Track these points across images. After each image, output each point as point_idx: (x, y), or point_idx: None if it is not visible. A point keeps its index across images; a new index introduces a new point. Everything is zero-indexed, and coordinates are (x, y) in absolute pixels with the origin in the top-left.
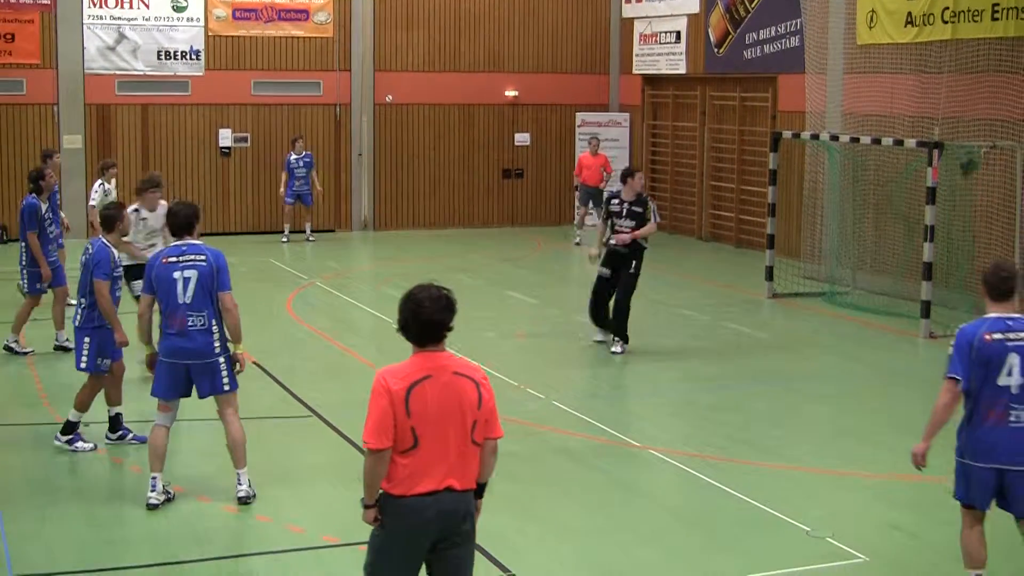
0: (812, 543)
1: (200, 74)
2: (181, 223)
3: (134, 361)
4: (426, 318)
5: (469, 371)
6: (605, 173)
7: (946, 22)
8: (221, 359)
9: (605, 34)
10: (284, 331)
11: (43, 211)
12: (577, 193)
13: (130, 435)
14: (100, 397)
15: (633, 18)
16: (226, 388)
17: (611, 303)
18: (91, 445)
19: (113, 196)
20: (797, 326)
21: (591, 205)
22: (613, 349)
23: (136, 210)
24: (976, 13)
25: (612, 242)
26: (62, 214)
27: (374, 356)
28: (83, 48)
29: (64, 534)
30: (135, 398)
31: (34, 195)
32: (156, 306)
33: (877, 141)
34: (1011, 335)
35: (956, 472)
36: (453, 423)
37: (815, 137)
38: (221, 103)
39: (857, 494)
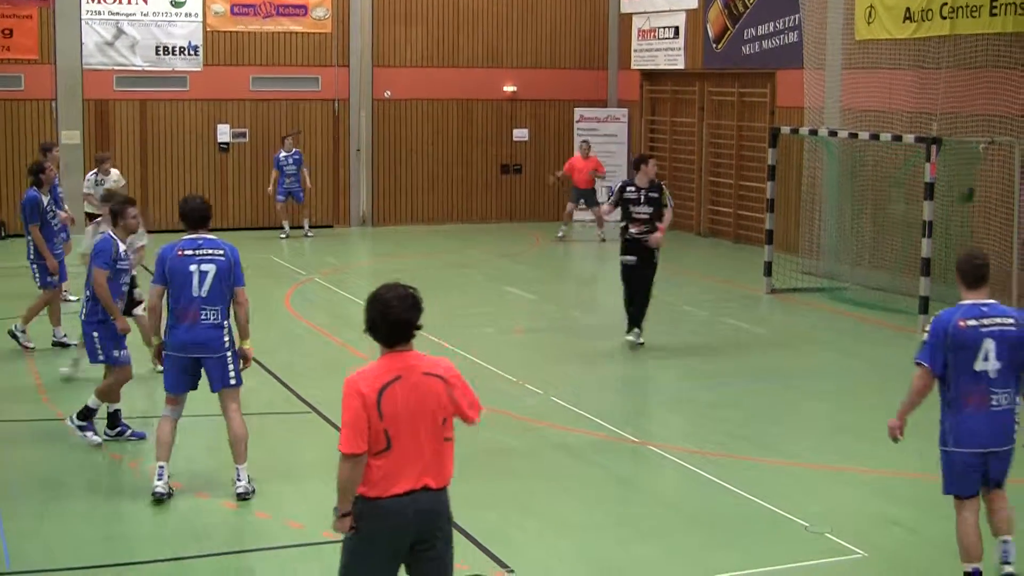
0: (811, 539)
1: (198, 70)
2: (197, 217)
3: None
4: (394, 318)
5: (437, 369)
6: (597, 175)
7: (944, 17)
8: (229, 354)
9: (603, 29)
10: (283, 327)
11: (45, 204)
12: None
13: (128, 431)
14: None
15: (631, 13)
16: (232, 383)
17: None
18: (98, 440)
19: (108, 186)
20: (795, 322)
21: (582, 203)
22: (640, 341)
23: (98, 222)
24: (974, 9)
25: (632, 231)
26: (65, 207)
27: (372, 352)
28: (81, 44)
29: (62, 530)
30: (134, 396)
31: (35, 188)
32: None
33: (875, 137)
34: (985, 321)
35: (942, 465)
36: (425, 422)
37: (813, 133)
38: (219, 98)
39: (856, 490)
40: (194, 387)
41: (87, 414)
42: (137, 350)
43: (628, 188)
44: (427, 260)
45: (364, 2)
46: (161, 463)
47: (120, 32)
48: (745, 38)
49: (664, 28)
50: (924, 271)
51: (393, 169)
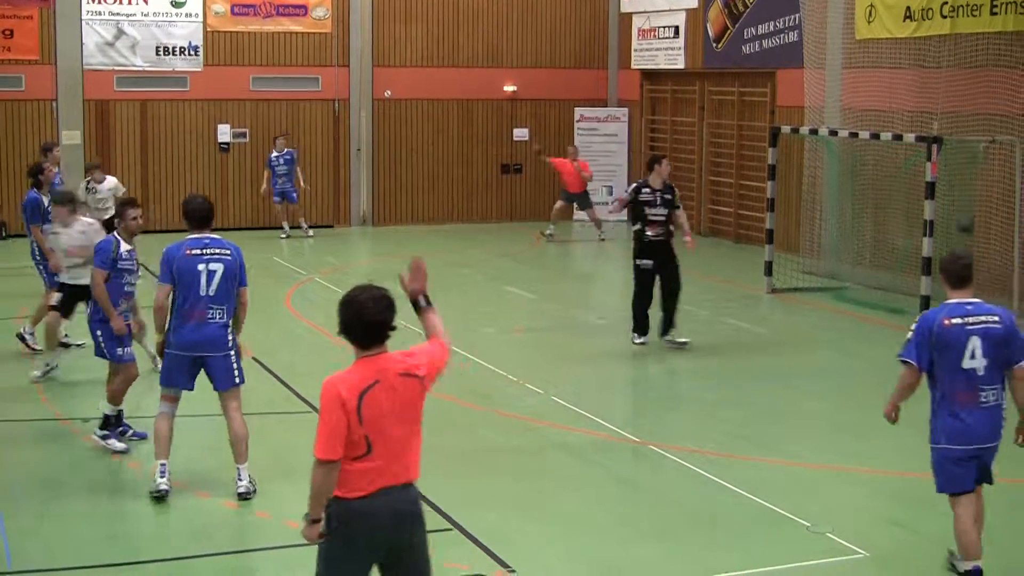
0: (812, 539)
1: (199, 70)
2: (201, 216)
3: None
4: (370, 319)
5: (412, 368)
6: (584, 175)
7: (945, 16)
8: (232, 353)
9: (603, 29)
10: (283, 327)
11: (45, 205)
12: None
13: (130, 431)
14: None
15: (631, 13)
16: (237, 382)
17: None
18: (122, 447)
19: (101, 194)
20: (796, 321)
21: (575, 206)
22: (681, 339)
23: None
24: (975, 8)
25: (649, 234)
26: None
27: None
28: (82, 44)
29: (63, 530)
30: (136, 394)
31: (35, 189)
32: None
33: (876, 136)
34: (970, 319)
35: (934, 464)
36: (402, 424)
37: (814, 132)
38: (220, 99)
39: (857, 489)
40: (192, 386)
41: (106, 423)
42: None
43: (644, 190)
44: (427, 260)
45: (364, 2)
46: (163, 461)
47: (120, 32)
48: (745, 37)
49: (664, 28)
50: (925, 270)
51: (393, 169)
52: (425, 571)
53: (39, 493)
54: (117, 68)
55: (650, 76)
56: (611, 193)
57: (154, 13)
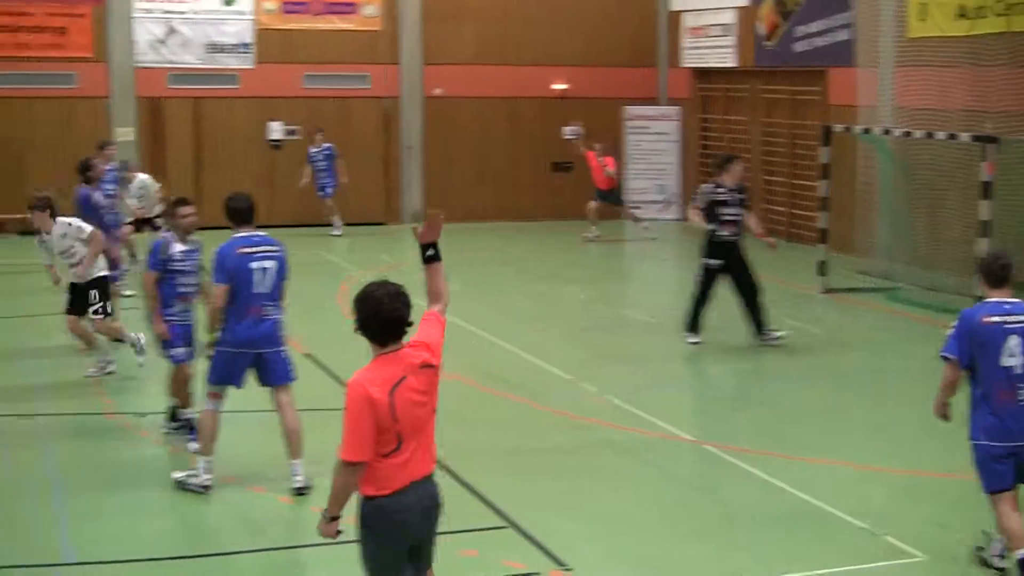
0: (868, 540)
1: (250, 67)
2: (245, 213)
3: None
4: (387, 316)
5: (429, 360)
6: (607, 171)
7: (999, 15)
8: (286, 348)
9: (652, 27)
10: (335, 324)
11: (96, 200)
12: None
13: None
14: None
15: (682, 11)
16: (292, 377)
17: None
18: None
19: (131, 192)
20: (850, 322)
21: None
22: (779, 333)
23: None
24: None
25: (725, 234)
26: (118, 202)
27: None
28: (134, 42)
29: (120, 524)
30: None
31: (86, 186)
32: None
33: (930, 135)
34: (1009, 318)
35: (976, 463)
36: (425, 414)
37: (867, 131)
38: (271, 96)
39: (912, 492)
40: (242, 384)
41: (174, 416)
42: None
43: (719, 190)
44: (478, 257)
45: (413, 0)
46: (209, 457)
47: (172, 30)
48: (797, 36)
49: (715, 25)
50: None
51: (444, 166)
52: (431, 557)
53: (97, 487)
54: (169, 65)
55: (701, 74)
56: (663, 192)
57: (205, 11)
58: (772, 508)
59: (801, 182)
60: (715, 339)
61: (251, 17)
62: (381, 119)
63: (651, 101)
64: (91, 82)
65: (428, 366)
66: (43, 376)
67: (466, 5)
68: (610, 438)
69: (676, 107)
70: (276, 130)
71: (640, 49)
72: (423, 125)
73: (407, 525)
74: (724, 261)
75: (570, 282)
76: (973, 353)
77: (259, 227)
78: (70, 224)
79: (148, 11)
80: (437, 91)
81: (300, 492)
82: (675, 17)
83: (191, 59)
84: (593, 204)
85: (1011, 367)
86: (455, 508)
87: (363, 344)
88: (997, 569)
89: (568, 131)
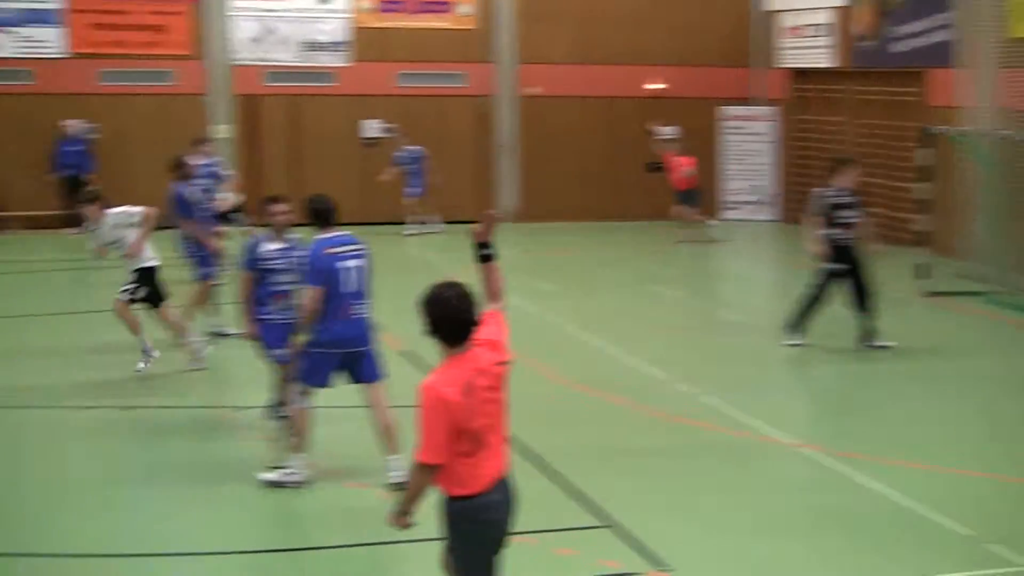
0: (972, 548)
1: (346, 65)
2: (329, 214)
3: None
4: (459, 316)
5: (502, 358)
6: (687, 171)
7: None
8: (375, 345)
9: (749, 27)
10: None
11: (189, 196)
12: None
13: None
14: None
15: (777, 11)
16: (383, 374)
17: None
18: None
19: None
20: (949, 326)
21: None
22: (887, 344)
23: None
24: None
25: (843, 236)
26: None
27: (522, 347)
28: (231, 39)
29: (217, 515)
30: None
31: (179, 182)
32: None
33: None
34: None
35: None
36: (498, 410)
37: (966, 133)
38: (366, 94)
39: (1013, 499)
40: (334, 384)
41: (277, 411)
42: None
43: (833, 193)
44: (573, 257)
45: None
46: (304, 454)
47: (269, 28)
48: (894, 36)
49: (811, 25)
50: None
51: (539, 166)
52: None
53: (194, 478)
54: (266, 63)
55: (796, 74)
56: (758, 192)
57: (302, 8)
58: (873, 512)
59: (898, 184)
60: (816, 342)
61: (347, 15)
62: (475, 118)
63: (744, 101)
64: (188, 79)
65: (500, 364)
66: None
67: (561, 4)
68: (708, 439)
69: (772, 108)
70: (371, 128)
71: (734, 49)
72: (518, 124)
73: (496, 523)
74: (843, 265)
75: (664, 282)
76: None
77: (348, 225)
78: (119, 212)
79: (245, 9)
80: (534, 90)
81: (398, 487)
82: (770, 17)
83: (287, 57)
84: (681, 208)
85: None
86: (552, 507)
87: None
88: None
89: (661, 131)
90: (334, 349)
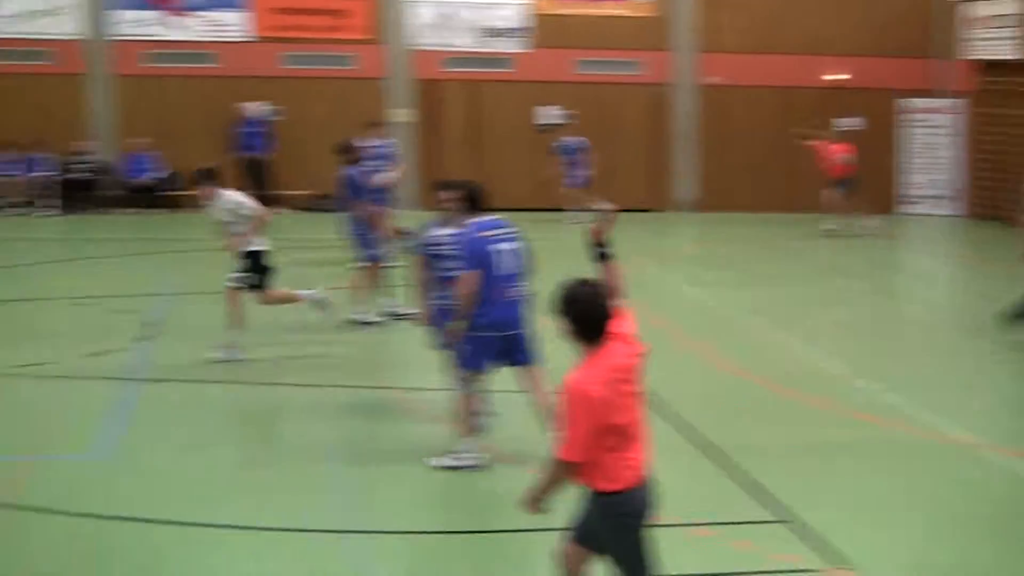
0: None
1: (525, 51)
2: (480, 200)
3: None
4: (599, 313)
5: (639, 350)
6: (843, 157)
7: None
8: (532, 328)
9: (931, 17)
10: None
11: (358, 179)
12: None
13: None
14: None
15: (961, 0)
16: (539, 356)
17: None
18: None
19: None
20: None
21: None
22: None
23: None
24: None
25: None
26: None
27: (699, 338)
28: (411, 24)
29: (393, 495)
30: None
31: (349, 166)
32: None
33: None
34: None
35: None
36: (638, 403)
37: None
38: (544, 80)
39: None
40: (495, 367)
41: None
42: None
43: None
44: (750, 248)
45: None
46: (473, 439)
47: (449, 13)
48: None
49: (998, 16)
50: None
51: (717, 155)
52: None
53: (371, 458)
54: (446, 48)
55: (985, 67)
56: (939, 186)
57: None
58: None
59: None
60: (1002, 339)
61: (527, 1)
62: (652, 105)
63: (925, 93)
64: (368, 64)
65: (636, 357)
66: (318, 349)
67: None
68: (888, 436)
69: (956, 100)
70: (548, 115)
71: (914, 40)
72: (696, 112)
73: (644, 515)
74: None
75: (844, 275)
76: None
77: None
78: (233, 199)
79: None
80: (712, 79)
81: None
82: (956, 7)
83: (466, 42)
84: (831, 193)
85: None
86: (728, 499)
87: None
88: None
89: (844, 123)
90: (493, 332)
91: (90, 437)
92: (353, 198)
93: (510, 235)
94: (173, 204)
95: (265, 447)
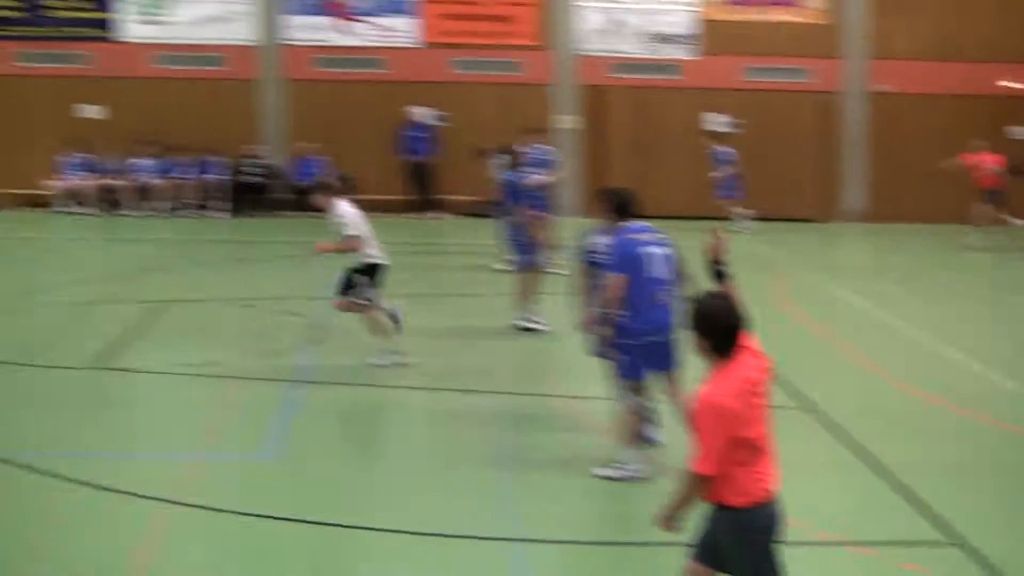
0: None
1: (693, 58)
2: (630, 206)
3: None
4: (732, 326)
5: (766, 362)
6: (993, 168)
7: None
8: (678, 334)
9: None
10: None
11: (518, 183)
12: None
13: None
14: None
15: None
16: (681, 362)
17: None
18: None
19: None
20: None
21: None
22: None
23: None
24: None
25: None
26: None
27: (867, 352)
28: (578, 30)
29: (555, 505)
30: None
31: (510, 170)
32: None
33: None
34: None
35: None
36: (766, 416)
37: None
38: (712, 87)
39: None
40: (651, 374)
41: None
42: None
43: None
44: (923, 260)
45: None
46: (635, 450)
47: (617, 19)
48: None
49: None
50: None
51: (886, 165)
52: None
53: (534, 466)
54: (612, 55)
55: None
56: None
57: (648, 0)
58: None
59: None
60: None
61: (695, 8)
62: (820, 113)
63: None
64: (534, 69)
65: (765, 370)
66: (479, 355)
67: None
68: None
69: None
70: (716, 122)
71: None
72: (866, 121)
73: (774, 530)
74: None
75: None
76: None
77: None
78: (340, 215)
79: (592, 0)
80: (883, 88)
81: None
82: None
83: (633, 49)
84: (981, 206)
85: None
86: (898, 520)
87: (801, 342)
88: None
89: (1017, 132)
90: (653, 338)
91: (259, 437)
92: (512, 203)
93: (661, 240)
94: None
95: (429, 452)
